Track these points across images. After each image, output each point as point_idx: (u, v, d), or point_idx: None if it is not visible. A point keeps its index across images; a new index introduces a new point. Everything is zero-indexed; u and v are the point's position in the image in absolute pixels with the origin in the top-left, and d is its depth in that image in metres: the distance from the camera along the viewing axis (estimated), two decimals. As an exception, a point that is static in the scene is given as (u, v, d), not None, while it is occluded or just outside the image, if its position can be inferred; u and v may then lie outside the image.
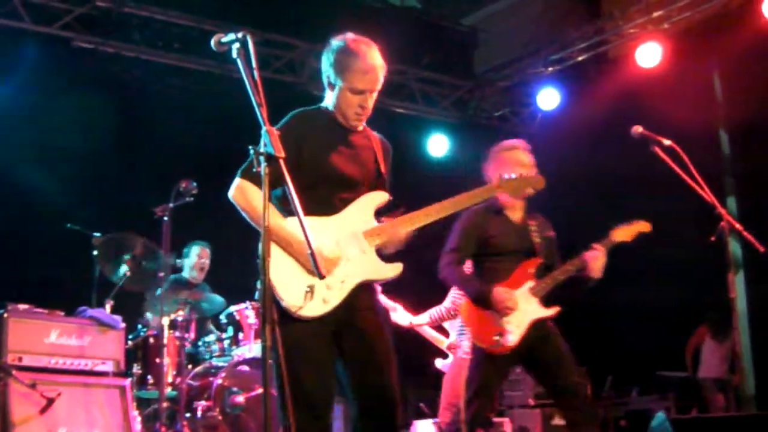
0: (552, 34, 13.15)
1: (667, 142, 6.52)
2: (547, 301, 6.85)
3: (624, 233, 7.00)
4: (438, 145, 14.31)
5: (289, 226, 4.81)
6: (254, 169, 4.27)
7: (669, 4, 11.95)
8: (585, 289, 6.95)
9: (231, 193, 5.03)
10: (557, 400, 6.94)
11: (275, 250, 4.77)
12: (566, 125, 13.61)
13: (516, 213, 6.99)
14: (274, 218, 4.66)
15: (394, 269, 5.14)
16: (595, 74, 13.26)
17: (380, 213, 5.22)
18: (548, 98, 13.67)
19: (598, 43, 12.88)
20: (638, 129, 6.61)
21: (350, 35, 5.30)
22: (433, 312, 8.53)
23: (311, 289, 4.71)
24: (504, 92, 14.36)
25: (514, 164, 6.69)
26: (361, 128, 5.35)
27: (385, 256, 5.19)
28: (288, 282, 4.82)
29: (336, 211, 5.04)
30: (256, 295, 5.04)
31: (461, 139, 14.24)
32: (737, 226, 6.45)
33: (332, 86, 5.26)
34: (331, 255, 4.87)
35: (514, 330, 6.64)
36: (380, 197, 5.23)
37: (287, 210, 4.79)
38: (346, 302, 4.94)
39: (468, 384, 6.70)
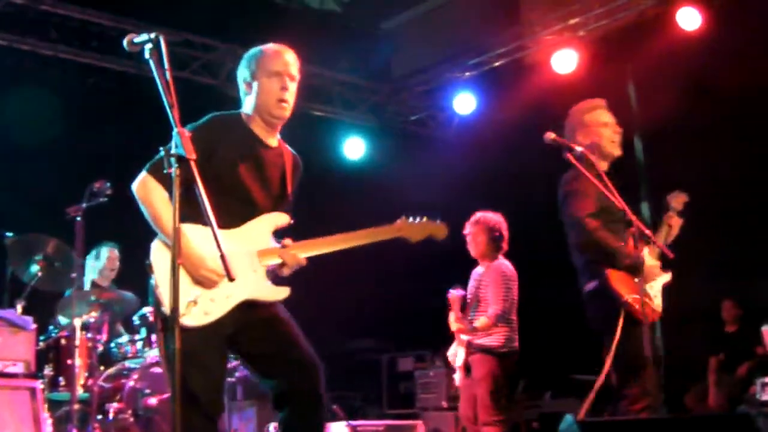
0: (470, 39, 13.21)
1: (578, 148, 6.58)
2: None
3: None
4: (354, 148, 14.31)
5: (185, 233, 4.79)
6: (165, 170, 4.27)
7: (585, 12, 12.06)
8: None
9: (134, 186, 5.05)
10: None
11: (166, 257, 4.75)
12: (483, 130, 13.69)
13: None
14: (170, 223, 4.63)
15: (281, 292, 5.18)
16: (512, 80, 13.33)
17: (279, 234, 5.24)
18: (465, 103, 13.74)
19: (516, 49, 12.96)
20: (550, 135, 6.63)
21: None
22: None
23: (195, 300, 4.70)
24: (421, 97, 14.40)
25: (596, 125, 7.05)
26: (275, 143, 5.40)
27: (277, 279, 5.21)
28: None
29: (233, 225, 5.06)
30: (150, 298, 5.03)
31: (378, 142, 14.26)
32: (647, 231, 6.52)
33: (249, 86, 5.34)
34: (214, 267, 4.87)
35: (657, 293, 6.76)
36: (281, 219, 5.28)
37: (184, 215, 4.79)
38: (225, 319, 4.95)
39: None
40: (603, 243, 6.59)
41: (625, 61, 12.84)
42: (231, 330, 4.99)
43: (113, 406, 8.71)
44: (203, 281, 4.87)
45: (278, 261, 5.13)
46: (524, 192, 12.56)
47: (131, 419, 8.65)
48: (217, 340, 4.97)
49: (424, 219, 5.72)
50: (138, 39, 4.47)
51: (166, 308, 4.75)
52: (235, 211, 5.08)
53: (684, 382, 12.28)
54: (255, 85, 5.31)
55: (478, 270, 9.13)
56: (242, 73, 5.39)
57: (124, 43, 4.50)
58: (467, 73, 13.53)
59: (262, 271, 5.10)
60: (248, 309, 5.02)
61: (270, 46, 5.39)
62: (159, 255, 4.93)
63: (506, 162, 13.14)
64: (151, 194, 4.95)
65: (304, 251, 5.19)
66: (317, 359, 5.16)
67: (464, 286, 9.03)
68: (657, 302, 6.72)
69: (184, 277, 4.82)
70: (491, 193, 12.60)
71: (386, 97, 14.41)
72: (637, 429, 5.04)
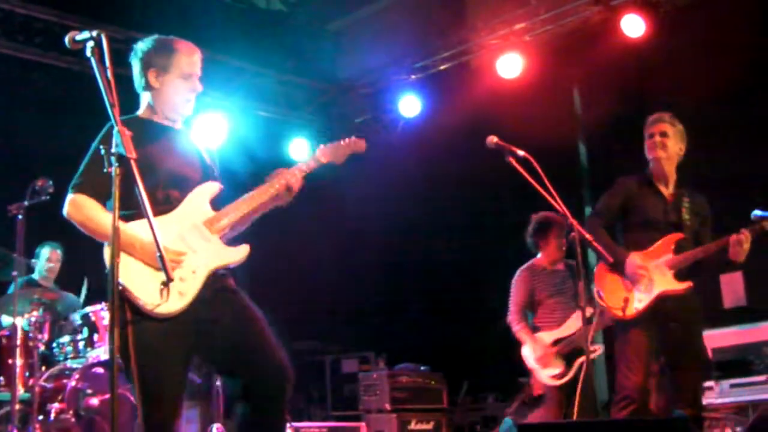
0: (416, 42, 13.23)
1: (521, 152, 6.59)
2: (682, 277, 7.00)
3: None
4: (299, 149, 14.26)
5: (130, 230, 4.80)
6: (105, 170, 4.26)
7: (531, 17, 12.13)
8: (723, 268, 7.15)
9: (65, 211, 5.05)
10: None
11: (124, 256, 4.74)
12: (428, 133, 13.70)
13: (668, 186, 7.23)
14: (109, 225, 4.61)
15: (241, 252, 5.22)
16: (458, 83, 13.36)
17: (216, 203, 5.26)
18: (410, 105, 13.74)
19: (461, 53, 12.99)
20: (493, 139, 6.65)
21: (154, 36, 5.41)
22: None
23: (166, 285, 4.65)
24: (367, 98, 14.39)
25: None
26: (180, 127, 5.43)
27: (231, 241, 5.26)
28: (141, 283, 4.81)
29: (172, 207, 5.07)
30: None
31: (323, 144, 14.19)
32: (587, 236, 6.57)
33: (156, 80, 5.32)
34: (176, 248, 4.91)
35: (644, 298, 6.83)
36: (212, 187, 5.29)
37: (125, 217, 4.78)
38: (201, 296, 4.95)
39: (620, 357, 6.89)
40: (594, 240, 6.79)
41: (570, 67, 12.91)
42: (193, 327, 4.96)
43: (54, 407, 8.63)
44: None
45: (226, 223, 5.17)
46: (468, 195, 12.62)
47: (73, 419, 8.58)
48: (180, 336, 4.94)
49: (341, 141, 5.86)
50: (80, 36, 4.45)
51: (142, 302, 4.77)
52: (170, 196, 5.10)
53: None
54: (166, 79, 5.30)
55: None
56: (150, 59, 5.33)
57: (66, 40, 4.48)
58: (413, 76, 13.55)
59: (215, 239, 5.12)
60: (207, 303, 4.99)
61: (183, 45, 5.36)
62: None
63: (451, 165, 13.18)
64: (84, 210, 4.96)
65: (241, 209, 5.24)
66: (288, 361, 5.14)
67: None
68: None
69: (146, 269, 4.84)
70: (436, 196, 12.65)
71: (332, 98, 14.40)
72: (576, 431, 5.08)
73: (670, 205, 7.16)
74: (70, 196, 5.02)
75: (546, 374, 8.71)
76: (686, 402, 6.94)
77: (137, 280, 4.81)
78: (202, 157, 5.41)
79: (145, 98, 5.37)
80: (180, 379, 5.01)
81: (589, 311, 8.56)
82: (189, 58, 5.33)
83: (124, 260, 4.73)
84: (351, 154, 5.95)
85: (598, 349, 8.75)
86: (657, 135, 7.30)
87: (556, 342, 8.69)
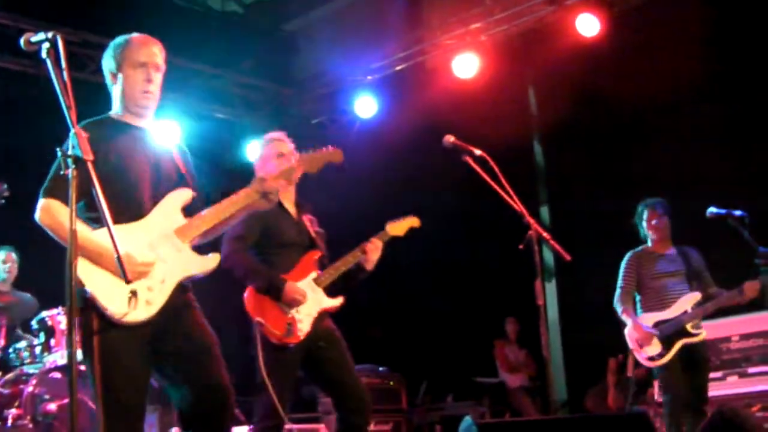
0: (372, 42, 13.23)
1: (477, 152, 6.62)
2: (331, 293, 6.91)
3: (397, 228, 7.32)
4: (255, 150, 14.21)
5: (96, 237, 4.76)
6: (62, 172, 4.24)
7: (486, 17, 12.15)
8: (358, 281, 7.09)
9: (37, 216, 4.99)
10: (340, 402, 6.82)
11: (91, 265, 4.72)
12: (384, 134, 13.72)
13: (291, 206, 7.05)
14: (82, 233, 4.59)
15: (212, 260, 5.21)
16: (414, 83, 13.38)
17: (189, 210, 5.23)
18: (366, 106, 13.74)
19: (417, 53, 13.00)
20: (449, 138, 6.68)
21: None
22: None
23: (134, 294, 4.65)
24: (323, 99, 14.37)
25: (274, 156, 7.04)
26: (150, 127, 5.40)
27: (202, 250, 5.24)
28: (109, 291, 4.78)
29: (142, 214, 5.03)
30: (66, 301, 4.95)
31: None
32: (545, 234, 6.59)
33: (115, 77, 5.32)
34: (144, 259, 4.85)
35: (305, 318, 6.64)
36: (185, 194, 5.25)
37: (94, 221, 4.77)
38: (165, 306, 4.92)
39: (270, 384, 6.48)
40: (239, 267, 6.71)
41: (526, 66, 12.99)
42: (150, 336, 4.93)
43: (11, 413, 8.59)
44: (136, 276, 4.79)
45: (197, 233, 5.14)
46: (425, 195, 12.64)
47: (30, 425, 8.54)
48: (141, 345, 4.91)
49: (319, 150, 5.94)
50: (35, 38, 4.43)
51: (110, 311, 4.73)
52: (139, 200, 5.05)
53: (584, 383, 12.46)
54: (120, 76, 5.28)
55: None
56: (107, 63, 5.34)
57: (21, 42, 4.46)
58: (369, 77, 13.55)
59: (186, 248, 5.10)
60: (167, 313, 4.97)
61: (135, 36, 5.36)
62: (84, 268, 4.87)
63: (407, 165, 13.21)
64: (56, 215, 4.89)
65: (212, 219, 5.20)
66: (230, 385, 5.12)
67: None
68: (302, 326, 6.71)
69: (113, 278, 4.79)
70: (392, 196, 12.68)
71: (288, 99, 14.38)
72: (536, 429, 5.10)
73: (297, 223, 7.05)
74: (41, 201, 4.97)
75: (643, 355, 8.73)
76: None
77: (105, 289, 4.77)
78: (174, 159, 5.38)
79: (115, 94, 5.35)
80: (144, 387, 4.98)
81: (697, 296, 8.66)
82: (141, 48, 5.29)
83: (92, 269, 4.73)
84: (330, 162, 5.94)
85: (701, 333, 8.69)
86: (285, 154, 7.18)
87: (658, 324, 8.69)
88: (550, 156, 13.54)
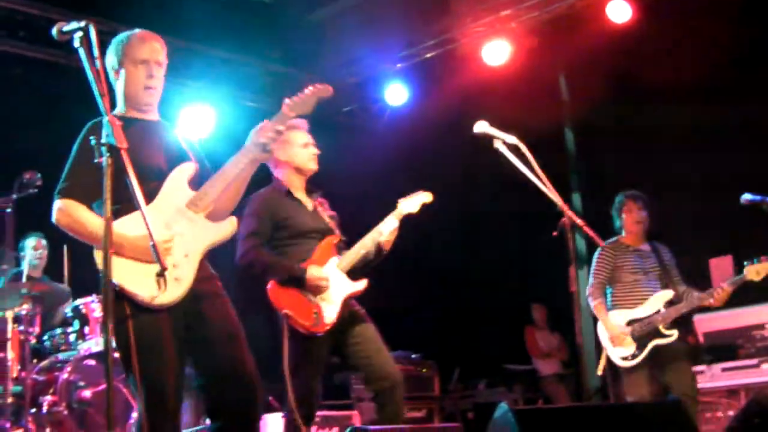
0: (401, 30, 13.21)
1: (511, 138, 6.58)
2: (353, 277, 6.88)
3: (410, 204, 7.20)
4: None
5: (117, 229, 4.74)
6: (95, 161, 4.26)
7: (517, 4, 12.09)
8: (377, 262, 7.04)
9: (54, 218, 5.04)
10: (371, 384, 6.78)
11: (116, 260, 4.74)
12: (414, 121, 13.71)
13: (302, 194, 7.04)
14: (100, 226, 4.57)
15: (229, 225, 5.25)
16: (444, 71, 13.35)
17: (197, 183, 5.24)
18: (396, 94, 13.74)
19: (447, 41, 12.96)
20: (481, 125, 6.66)
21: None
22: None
23: (161, 275, 4.62)
24: (352, 88, 14.36)
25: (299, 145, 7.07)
26: (156, 118, 5.42)
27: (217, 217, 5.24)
28: (136, 278, 4.81)
29: (151, 200, 5.03)
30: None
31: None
32: (579, 221, 6.56)
33: (117, 73, 5.32)
34: (162, 237, 4.86)
35: (331, 305, 6.62)
36: (188, 168, 5.27)
37: (114, 211, 4.78)
38: (195, 281, 4.96)
39: (292, 373, 6.46)
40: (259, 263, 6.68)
41: (556, 54, 12.93)
42: (183, 321, 4.97)
43: (47, 399, 8.64)
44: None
45: (209, 199, 5.15)
46: (456, 182, 12.62)
47: (65, 412, 8.58)
48: (176, 330, 4.94)
49: (305, 90, 5.84)
50: (67, 27, 4.45)
51: (142, 296, 4.78)
52: (149, 189, 5.03)
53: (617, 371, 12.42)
54: (122, 72, 5.30)
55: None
56: (110, 60, 5.34)
57: (53, 31, 4.47)
58: (399, 65, 13.54)
59: (200, 218, 5.11)
60: (195, 300, 5.00)
61: (137, 33, 5.35)
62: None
63: (437, 152, 13.19)
64: (74, 215, 4.95)
65: (220, 184, 5.20)
66: (258, 380, 5.12)
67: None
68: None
69: (138, 264, 4.83)
70: (422, 184, 12.67)
71: (317, 88, 14.36)
72: (572, 416, 5.09)
73: (311, 211, 7.06)
74: (57, 203, 5.01)
75: (616, 354, 8.70)
76: None
77: (132, 277, 4.80)
78: (181, 149, 5.40)
79: (118, 90, 5.37)
80: (180, 370, 4.99)
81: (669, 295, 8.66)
82: (142, 44, 5.30)
83: (116, 261, 4.71)
84: (319, 99, 5.90)
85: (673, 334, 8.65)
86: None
87: (631, 322, 8.65)
88: (581, 142, 13.49)
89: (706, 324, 10.12)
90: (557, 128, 13.46)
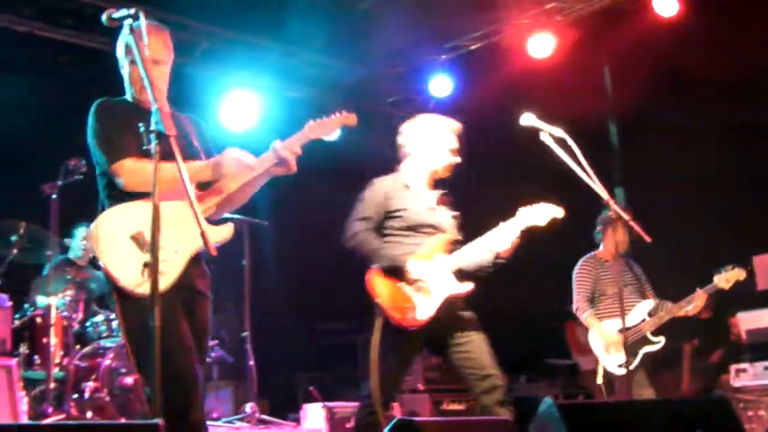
0: (446, 22, 13.18)
1: (557, 131, 6.54)
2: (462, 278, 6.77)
3: (534, 216, 6.90)
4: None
5: (112, 214, 4.94)
6: (144, 147, 4.28)
7: (562, -4, 12.08)
8: (494, 269, 6.97)
9: (123, 182, 5.10)
10: (471, 386, 6.69)
11: (112, 233, 4.89)
12: (459, 113, 13.66)
13: (425, 189, 6.97)
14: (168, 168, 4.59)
15: (226, 230, 5.28)
16: (489, 63, 13.32)
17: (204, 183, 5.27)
18: (441, 86, 13.75)
19: (492, 33, 12.94)
20: (528, 117, 6.63)
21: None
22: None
23: (147, 266, 4.63)
24: (397, 79, 14.36)
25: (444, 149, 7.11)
26: (168, 110, 5.39)
27: (215, 222, 5.31)
28: (122, 262, 4.89)
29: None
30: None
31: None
32: (625, 216, 6.53)
33: (124, 64, 5.46)
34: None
35: (429, 303, 6.51)
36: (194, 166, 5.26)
37: (114, 197, 5.06)
38: (180, 278, 5.03)
39: (380, 359, 6.40)
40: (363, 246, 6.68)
41: (601, 46, 12.87)
42: (181, 298, 5.03)
43: (89, 385, 8.72)
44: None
45: (211, 203, 5.24)
46: (500, 174, 12.60)
47: (107, 398, 8.66)
48: (182, 309, 4.98)
49: (331, 116, 5.90)
50: (117, 14, 4.50)
51: (122, 282, 4.86)
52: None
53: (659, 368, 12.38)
54: (128, 64, 5.42)
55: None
56: (119, 49, 5.47)
57: (103, 18, 4.52)
58: (443, 56, 13.53)
59: (201, 218, 5.04)
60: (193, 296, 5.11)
61: (153, 29, 5.30)
62: (107, 224, 4.95)
63: (482, 144, 13.16)
64: (143, 173, 4.92)
65: (229, 185, 5.28)
66: (198, 377, 5.08)
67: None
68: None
69: (132, 248, 4.91)
70: (466, 177, 12.65)
71: (362, 78, 14.36)
72: (616, 411, 5.08)
73: (428, 207, 7.01)
74: (118, 166, 5.09)
75: (611, 362, 8.76)
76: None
77: (119, 259, 4.88)
78: (188, 134, 5.45)
79: (125, 82, 5.49)
80: (192, 352, 5.03)
81: (650, 304, 8.73)
82: (159, 44, 5.36)
83: (113, 239, 4.88)
84: (343, 126, 5.91)
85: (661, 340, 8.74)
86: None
87: (621, 331, 8.63)
88: (625, 136, 13.43)
89: (749, 321, 10.06)
90: (601, 121, 13.40)
